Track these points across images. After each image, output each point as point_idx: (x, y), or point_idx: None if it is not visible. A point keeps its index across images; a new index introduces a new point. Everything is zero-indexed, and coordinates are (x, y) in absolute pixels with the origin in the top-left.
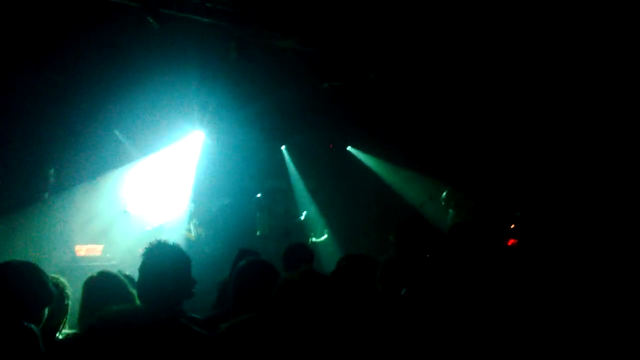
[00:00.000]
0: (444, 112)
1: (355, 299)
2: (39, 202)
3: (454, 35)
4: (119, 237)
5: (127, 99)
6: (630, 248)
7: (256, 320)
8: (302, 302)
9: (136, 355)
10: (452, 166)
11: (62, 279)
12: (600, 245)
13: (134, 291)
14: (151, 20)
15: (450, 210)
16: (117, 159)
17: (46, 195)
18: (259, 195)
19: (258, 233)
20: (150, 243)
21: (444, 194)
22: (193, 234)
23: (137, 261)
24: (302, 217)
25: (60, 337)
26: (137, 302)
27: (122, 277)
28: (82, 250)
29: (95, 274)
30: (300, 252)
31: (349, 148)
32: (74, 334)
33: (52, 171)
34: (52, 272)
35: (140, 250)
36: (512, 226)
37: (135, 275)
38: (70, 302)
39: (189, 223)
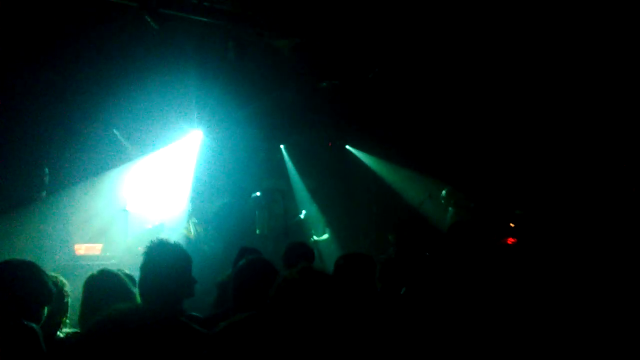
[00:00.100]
0: (443, 111)
1: (354, 297)
2: (38, 202)
3: (453, 34)
4: (118, 236)
5: (126, 99)
6: (629, 247)
7: (255, 318)
8: (301, 300)
9: (138, 354)
10: (452, 165)
11: (61, 278)
12: (600, 244)
13: (135, 290)
14: (150, 20)
15: (450, 209)
16: (116, 158)
17: (44, 194)
18: (258, 194)
19: (257, 232)
20: (151, 242)
21: (444, 192)
22: (192, 233)
23: (137, 260)
24: (302, 216)
25: (61, 335)
26: (138, 300)
27: (122, 276)
28: (81, 249)
29: (95, 272)
30: (301, 251)
31: (347, 147)
32: (74, 333)
33: (46, 170)
34: (51, 271)
35: (140, 249)
36: (512, 225)
37: (135, 274)
38: (70, 301)
39: (188, 222)
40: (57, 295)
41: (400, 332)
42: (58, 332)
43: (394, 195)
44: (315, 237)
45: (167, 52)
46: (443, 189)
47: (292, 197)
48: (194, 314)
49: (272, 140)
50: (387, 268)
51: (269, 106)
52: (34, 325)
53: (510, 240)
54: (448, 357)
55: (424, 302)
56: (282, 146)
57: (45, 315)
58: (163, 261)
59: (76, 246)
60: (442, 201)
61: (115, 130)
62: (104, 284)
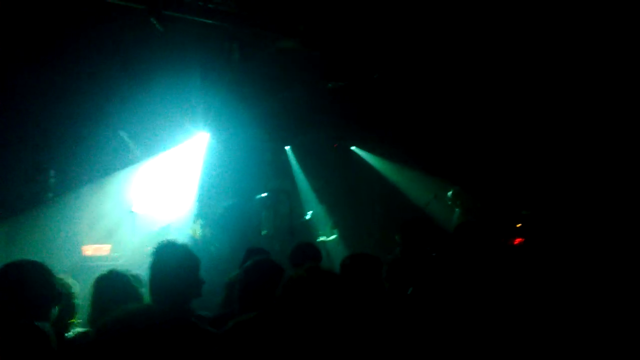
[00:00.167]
0: (449, 111)
1: (361, 296)
2: (45, 203)
3: (458, 35)
4: (126, 237)
5: (133, 101)
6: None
7: (262, 317)
8: (308, 299)
9: (148, 354)
10: (458, 165)
11: (69, 279)
12: (608, 245)
13: (143, 290)
14: (155, 22)
15: (457, 210)
16: (123, 160)
17: (50, 196)
18: (263, 194)
19: (263, 232)
20: (160, 242)
21: (450, 193)
22: (199, 234)
23: (144, 261)
24: (308, 217)
25: (71, 335)
26: (146, 300)
27: (130, 276)
28: (90, 250)
29: (104, 273)
30: (308, 251)
31: (352, 148)
32: (83, 333)
33: (52, 173)
34: (59, 272)
35: (147, 250)
36: (519, 225)
37: (143, 274)
38: (79, 302)
39: (194, 223)
40: (65, 296)
41: (407, 331)
42: (67, 333)
43: (399, 196)
44: (323, 237)
45: (173, 54)
46: (449, 190)
47: (298, 198)
48: (202, 313)
49: (277, 142)
50: (394, 268)
51: (274, 107)
52: (45, 324)
53: (517, 241)
54: (455, 357)
55: (431, 302)
56: (287, 147)
57: (54, 315)
58: (171, 262)
59: (85, 247)
60: (449, 202)
61: (122, 132)
62: (112, 284)
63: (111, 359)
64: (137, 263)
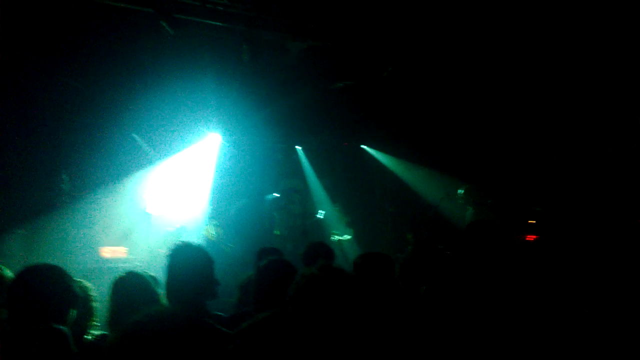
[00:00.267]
0: (460, 108)
1: (373, 294)
2: (62, 207)
3: (468, 31)
4: (141, 238)
5: (146, 104)
6: None
7: (277, 316)
8: (320, 296)
9: (166, 357)
10: (469, 163)
11: (86, 283)
12: (622, 242)
13: (159, 290)
14: (165, 25)
15: (469, 207)
16: (137, 163)
17: (67, 199)
18: (276, 194)
19: (276, 232)
20: (176, 244)
21: (462, 190)
22: (212, 234)
23: (160, 262)
24: (320, 216)
25: (89, 338)
26: (163, 300)
27: (148, 277)
28: (107, 252)
29: (123, 274)
30: (321, 250)
31: (363, 146)
32: (102, 335)
33: (64, 177)
34: (76, 275)
35: (162, 251)
36: (532, 222)
37: (158, 275)
38: (96, 304)
39: (208, 224)
40: (83, 299)
41: (420, 330)
42: (86, 335)
43: (410, 194)
44: (337, 237)
45: (185, 57)
46: (461, 188)
47: (310, 198)
48: (218, 313)
49: (288, 142)
50: (406, 267)
51: (285, 108)
52: (63, 327)
53: (531, 238)
54: (468, 356)
55: (445, 301)
56: (298, 147)
57: (72, 318)
58: (188, 263)
59: (102, 250)
60: (460, 200)
61: (135, 135)
62: (131, 286)
63: None
64: (152, 264)
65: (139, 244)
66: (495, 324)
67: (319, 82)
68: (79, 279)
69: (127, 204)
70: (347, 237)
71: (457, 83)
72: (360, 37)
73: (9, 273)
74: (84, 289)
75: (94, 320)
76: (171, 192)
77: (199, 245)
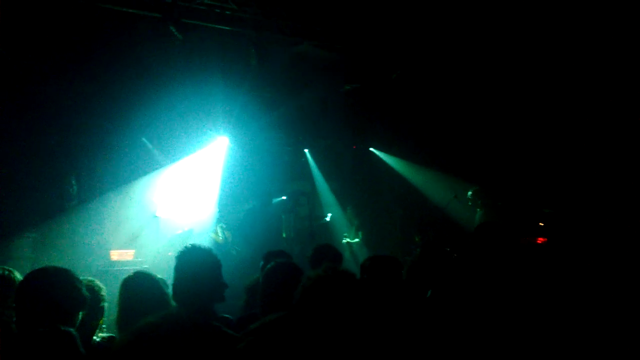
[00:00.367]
0: (468, 110)
1: (379, 297)
2: (71, 210)
3: (475, 34)
4: (150, 241)
5: (154, 108)
6: None
7: (285, 318)
8: (325, 298)
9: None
10: (478, 164)
11: (98, 282)
12: (632, 245)
13: (167, 290)
14: (174, 30)
15: (478, 210)
16: (146, 166)
17: (75, 202)
18: (284, 197)
19: (284, 235)
20: (185, 246)
21: (470, 192)
22: (220, 237)
23: (167, 264)
24: (327, 219)
25: (97, 340)
26: (171, 301)
27: (157, 277)
28: (115, 255)
29: (131, 274)
30: (328, 253)
31: (371, 149)
32: (109, 337)
33: (73, 181)
34: (88, 276)
35: (170, 254)
36: (541, 224)
37: (166, 277)
38: (106, 305)
39: (216, 226)
40: (93, 299)
41: (424, 334)
42: (94, 337)
43: (419, 197)
44: (347, 239)
45: (193, 61)
46: (469, 189)
47: (318, 200)
48: (225, 315)
49: (296, 144)
50: (413, 269)
51: (293, 111)
52: (71, 329)
53: (540, 240)
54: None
55: (450, 305)
56: (306, 150)
57: (80, 320)
58: (195, 265)
59: (111, 252)
60: (469, 202)
61: (144, 139)
62: (140, 284)
63: None
64: (160, 267)
65: (148, 247)
66: (500, 327)
67: (328, 85)
68: (91, 278)
69: (135, 207)
70: (357, 240)
71: (466, 85)
72: (369, 40)
73: (18, 276)
74: (95, 289)
75: (102, 322)
76: (179, 195)
77: (207, 248)
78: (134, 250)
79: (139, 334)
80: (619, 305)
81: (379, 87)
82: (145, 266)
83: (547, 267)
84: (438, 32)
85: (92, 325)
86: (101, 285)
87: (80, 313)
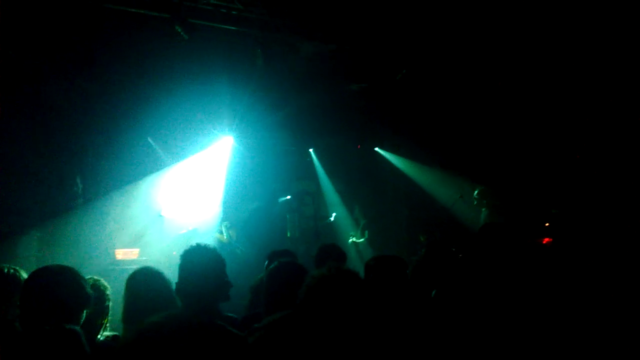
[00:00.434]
0: (474, 110)
1: (384, 296)
2: (77, 209)
3: (480, 35)
4: (154, 240)
5: (159, 108)
6: None
7: (290, 317)
8: (330, 297)
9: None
10: (484, 164)
11: (103, 281)
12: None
13: (172, 286)
14: (179, 30)
15: (483, 210)
16: (151, 166)
17: (80, 201)
18: (288, 197)
19: (288, 235)
20: (190, 245)
21: (476, 192)
22: (225, 236)
23: (172, 263)
24: (332, 219)
25: (101, 338)
26: (175, 296)
27: (162, 272)
28: (120, 254)
29: (137, 269)
30: (332, 252)
31: (376, 149)
32: (113, 336)
33: (78, 180)
34: (93, 274)
35: (175, 253)
36: (547, 224)
37: (171, 276)
38: (110, 303)
39: (220, 226)
40: (97, 298)
41: (428, 334)
42: (98, 336)
43: (424, 197)
44: (354, 239)
45: (199, 61)
46: (475, 189)
47: (323, 200)
48: (230, 314)
49: (301, 144)
50: (418, 269)
51: (298, 110)
52: (76, 327)
53: (546, 240)
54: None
55: (454, 304)
56: (311, 150)
57: (84, 318)
58: (200, 265)
59: (116, 251)
60: (475, 202)
61: (149, 139)
62: (146, 280)
63: None
64: (165, 266)
65: (152, 246)
66: (505, 327)
67: (333, 85)
68: (97, 277)
69: (140, 206)
70: (363, 239)
71: (472, 85)
72: (374, 40)
73: (24, 274)
74: (100, 288)
75: (107, 320)
76: (184, 194)
77: (211, 247)
78: (138, 249)
79: (143, 333)
80: (626, 306)
81: (384, 87)
82: (150, 265)
83: (552, 267)
84: (444, 32)
85: (96, 324)
86: (106, 284)
87: (85, 311)
